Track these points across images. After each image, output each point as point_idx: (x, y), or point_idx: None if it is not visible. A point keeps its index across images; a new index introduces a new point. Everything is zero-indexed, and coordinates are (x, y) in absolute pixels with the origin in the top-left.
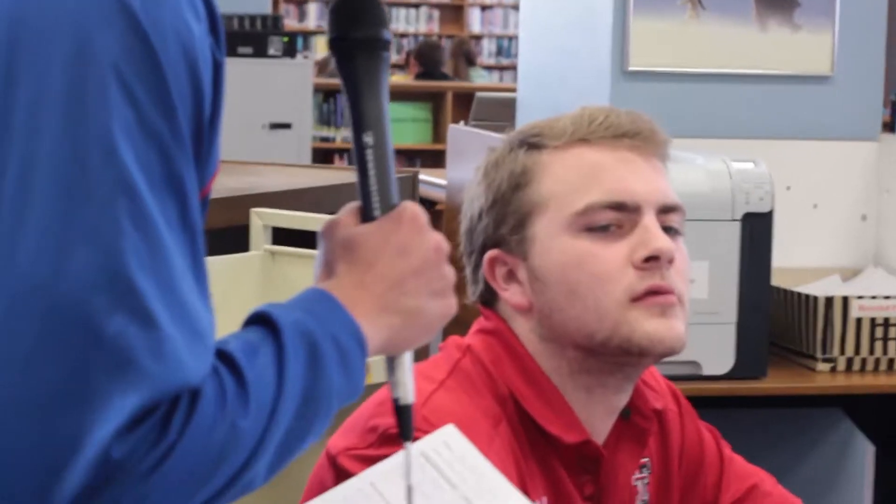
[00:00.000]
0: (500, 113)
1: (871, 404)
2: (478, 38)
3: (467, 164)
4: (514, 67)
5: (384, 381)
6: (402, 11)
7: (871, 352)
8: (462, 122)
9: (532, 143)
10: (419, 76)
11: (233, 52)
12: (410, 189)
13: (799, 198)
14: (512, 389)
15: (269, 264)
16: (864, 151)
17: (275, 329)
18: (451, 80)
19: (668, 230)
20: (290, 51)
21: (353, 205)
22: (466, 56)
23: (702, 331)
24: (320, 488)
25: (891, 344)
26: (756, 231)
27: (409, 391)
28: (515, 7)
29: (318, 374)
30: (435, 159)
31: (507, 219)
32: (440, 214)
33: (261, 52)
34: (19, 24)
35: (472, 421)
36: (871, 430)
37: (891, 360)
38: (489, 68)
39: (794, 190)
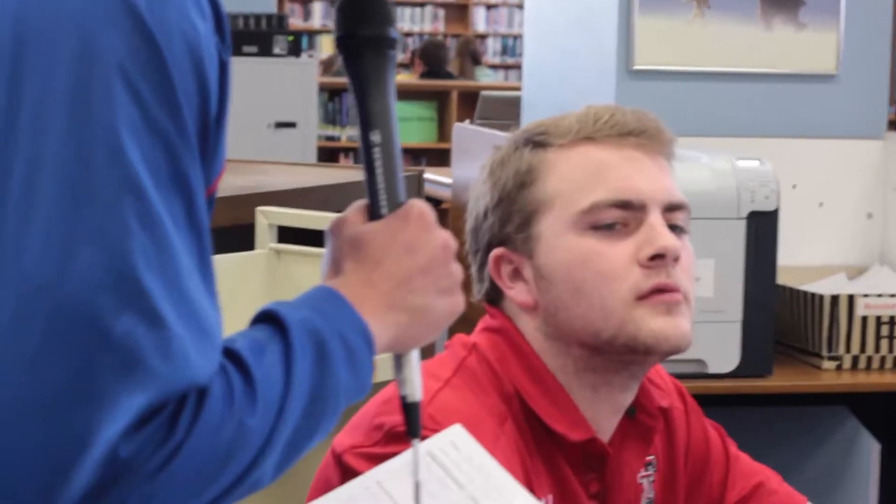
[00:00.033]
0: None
1: (877, 402)
2: (483, 37)
3: (472, 163)
4: (519, 66)
5: (390, 379)
6: (408, 10)
7: (877, 350)
8: (467, 121)
9: (537, 141)
10: (424, 75)
11: (238, 52)
12: (416, 188)
13: (804, 196)
14: (517, 388)
15: (274, 263)
16: (869, 150)
17: (282, 327)
18: (456, 80)
19: (673, 228)
20: (295, 50)
21: (361, 203)
22: (472, 55)
23: (707, 329)
24: (326, 487)
25: None
26: (761, 229)
27: (416, 389)
28: (520, 6)
29: (325, 372)
30: (440, 158)
31: (513, 217)
32: (445, 213)
33: (266, 51)
34: (24, 24)
35: (478, 419)
36: (877, 429)
37: None
38: (494, 67)
39: (800, 188)
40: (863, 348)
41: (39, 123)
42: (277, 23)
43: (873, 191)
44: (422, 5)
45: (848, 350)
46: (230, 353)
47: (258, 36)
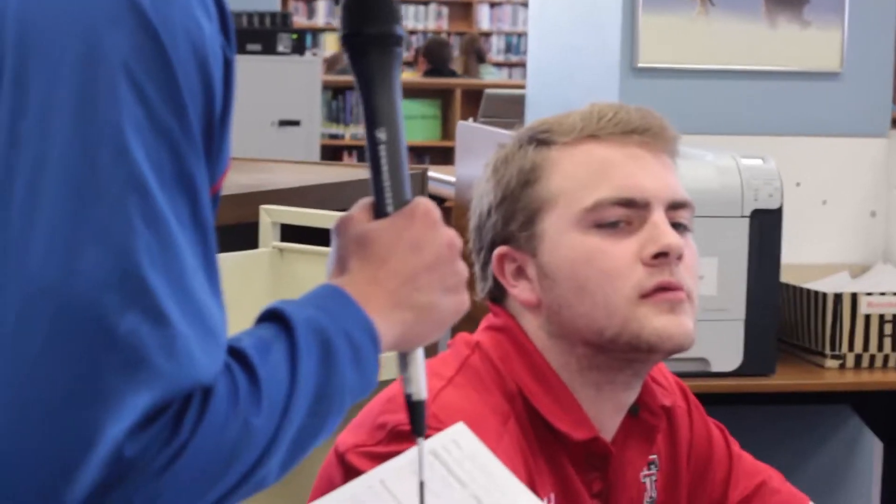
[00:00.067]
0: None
1: (880, 401)
2: (487, 34)
3: (476, 161)
4: (522, 64)
5: (393, 377)
6: (412, 8)
7: (880, 348)
8: (471, 119)
9: (541, 139)
10: (427, 73)
11: (242, 50)
12: (420, 186)
13: (808, 194)
14: (521, 386)
15: (277, 261)
16: (873, 148)
17: (288, 326)
18: (460, 78)
19: (677, 226)
20: (298, 48)
21: (366, 201)
22: (477, 53)
23: (710, 327)
24: (329, 486)
25: None
26: (765, 227)
27: (421, 387)
28: (524, 4)
29: (330, 370)
30: (444, 156)
31: (517, 215)
32: (449, 211)
33: (270, 49)
34: (28, 25)
35: (481, 418)
36: (880, 427)
37: None
38: (498, 65)
39: (804, 186)
40: (866, 347)
41: (44, 123)
42: (281, 21)
43: (877, 189)
44: (426, 3)
45: (851, 349)
46: (235, 352)
47: (262, 34)
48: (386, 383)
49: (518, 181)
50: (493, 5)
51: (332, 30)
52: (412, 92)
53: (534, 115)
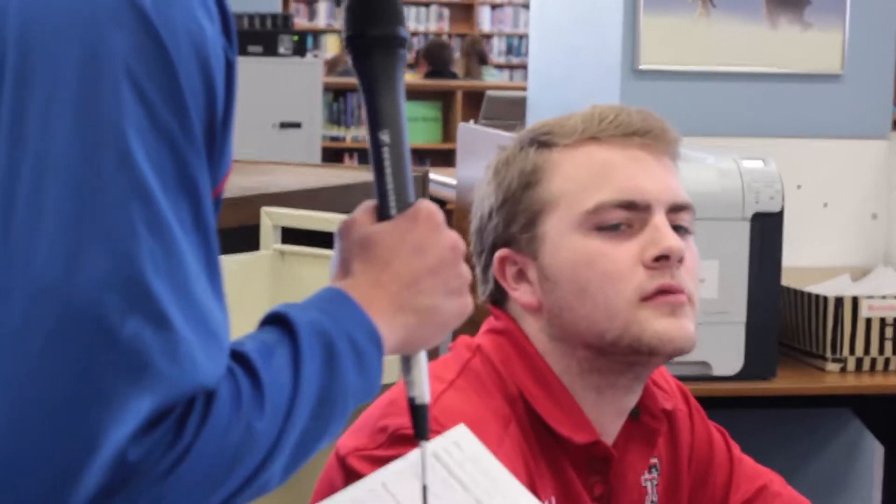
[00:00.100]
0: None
1: (881, 405)
2: (488, 36)
3: (477, 163)
4: (524, 66)
5: (394, 381)
6: (412, 10)
7: (881, 352)
8: (472, 121)
9: (542, 141)
10: (427, 75)
11: (243, 51)
12: (421, 188)
13: (809, 197)
14: (522, 389)
15: (278, 264)
16: (874, 150)
17: (291, 329)
18: (460, 80)
19: (678, 229)
20: (300, 50)
21: (369, 203)
22: (479, 55)
23: (711, 331)
24: (330, 489)
25: None
26: (766, 230)
27: (424, 391)
28: (525, 6)
29: (333, 374)
30: (445, 158)
31: (518, 218)
32: (450, 214)
33: (271, 50)
34: (30, 23)
35: (482, 421)
36: (881, 431)
37: None
38: (499, 67)
39: (805, 189)
40: (867, 350)
41: (47, 125)
42: (282, 22)
43: (878, 191)
44: (427, 5)
45: (852, 352)
46: (238, 356)
47: (263, 36)
48: (387, 387)
49: (519, 183)
50: (494, 7)
51: (334, 31)
52: (413, 94)
53: (535, 117)
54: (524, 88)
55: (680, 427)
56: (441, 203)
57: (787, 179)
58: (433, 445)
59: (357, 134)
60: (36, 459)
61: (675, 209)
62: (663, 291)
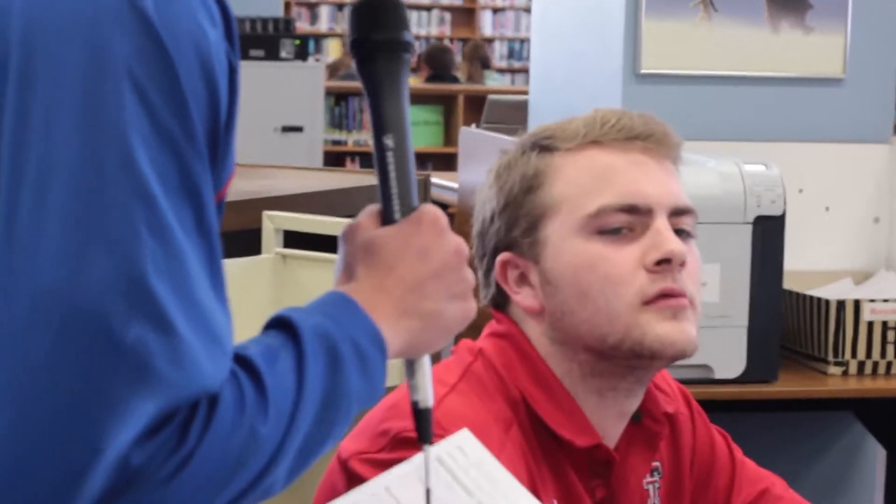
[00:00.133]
0: (512, 116)
1: (883, 408)
2: (489, 40)
3: (479, 167)
4: (525, 70)
5: (396, 384)
6: (414, 14)
7: (883, 355)
8: (474, 125)
9: (544, 145)
10: (429, 79)
11: (244, 55)
12: (423, 192)
13: (811, 200)
14: (523, 393)
15: (280, 267)
16: (876, 154)
17: (294, 333)
18: (461, 84)
19: (680, 233)
20: (301, 54)
21: (373, 207)
22: (482, 60)
23: (713, 334)
24: (331, 492)
25: None
26: (768, 234)
27: (428, 394)
28: (527, 10)
29: (337, 378)
30: (446, 162)
31: (519, 221)
32: (452, 218)
33: (272, 54)
34: (33, 24)
35: (484, 425)
36: (883, 434)
37: None
38: (501, 71)
39: (806, 193)
40: (869, 354)
41: (50, 131)
42: (284, 26)
43: (880, 195)
44: (428, 9)
45: (854, 355)
46: (242, 360)
47: (265, 40)
48: (389, 390)
49: (521, 187)
50: (495, 11)
51: (335, 35)
52: (415, 98)
53: (536, 121)
54: (526, 92)
55: (682, 430)
56: (443, 207)
57: (788, 183)
58: (438, 450)
59: (359, 138)
60: (39, 464)
61: (677, 213)
62: (665, 295)
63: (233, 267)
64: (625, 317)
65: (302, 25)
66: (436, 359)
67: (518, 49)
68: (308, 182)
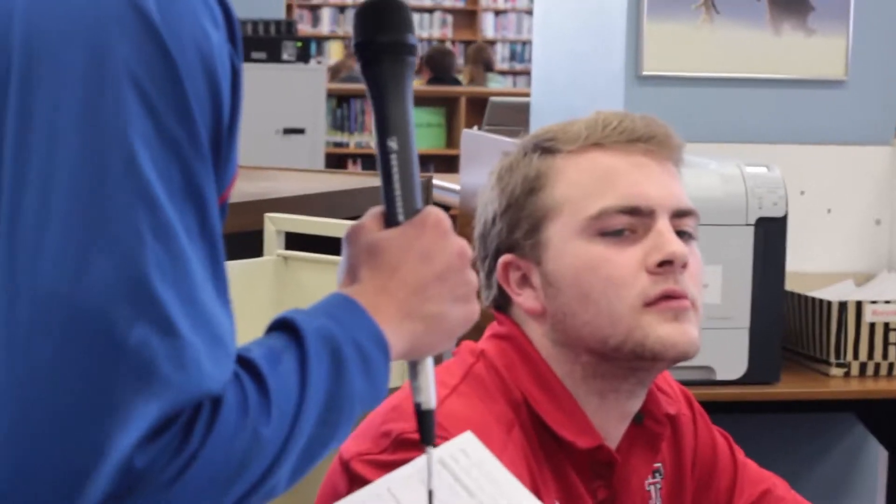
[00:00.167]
0: (514, 118)
1: (885, 409)
2: (491, 42)
3: (481, 169)
4: (527, 72)
5: (398, 386)
6: (416, 16)
7: (885, 357)
8: (476, 127)
9: (546, 147)
10: (430, 81)
11: (246, 58)
12: (424, 194)
13: (813, 202)
14: (525, 394)
15: (282, 269)
16: (878, 156)
17: (298, 335)
18: (463, 86)
19: (681, 235)
20: (303, 56)
21: (377, 209)
22: (485, 63)
23: (715, 336)
24: (333, 493)
25: None
26: (770, 236)
27: (431, 396)
28: (529, 12)
29: (340, 380)
30: (448, 164)
31: (521, 223)
32: (454, 220)
33: (274, 57)
34: (35, 27)
35: (486, 426)
36: (885, 436)
37: None
38: (503, 73)
39: (808, 195)
40: (870, 355)
41: (52, 133)
42: (286, 29)
43: (882, 197)
44: (430, 11)
45: (856, 357)
46: (245, 362)
47: (267, 42)
48: (391, 391)
49: (523, 189)
50: (497, 13)
51: (337, 38)
52: (417, 100)
53: (538, 123)
54: (528, 95)
55: (683, 431)
56: (445, 209)
57: (790, 185)
58: (440, 452)
59: (360, 140)
60: (42, 466)
61: (679, 215)
62: (667, 297)
63: (234, 269)
64: (626, 318)
65: (304, 28)
66: (437, 360)
67: (520, 51)
68: (310, 184)
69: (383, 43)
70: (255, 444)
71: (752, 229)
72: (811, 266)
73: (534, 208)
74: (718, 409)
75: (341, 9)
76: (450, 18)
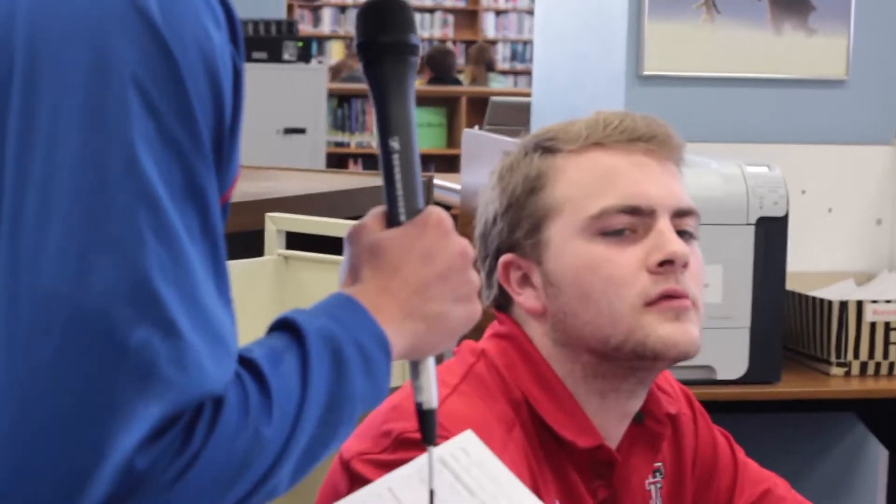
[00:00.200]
0: (515, 117)
1: (885, 409)
2: (492, 42)
3: (482, 169)
4: (528, 72)
5: (398, 385)
6: (417, 16)
7: (886, 356)
8: (477, 127)
9: (547, 147)
10: (431, 81)
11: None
12: (425, 194)
13: (813, 202)
14: (526, 394)
15: (282, 269)
16: (878, 155)
17: (299, 335)
18: (464, 86)
19: (682, 234)
20: (304, 56)
21: (379, 209)
22: (487, 63)
23: (716, 335)
24: (333, 493)
25: None
26: (770, 235)
27: (432, 396)
28: (530, 12)
29: (341, 380)
30: (449, 164)
31: (522, 223)
32: (455, 219)
33: (275, 57)
34: (38, 27)
35: (486, 426)
36: (885, 435)
37: None
38: (504, 73)
39: (809, 194)
40: (871, 355)
41: (54, 134)
42: (287, 29)
43: (883, 197)
44: (431, 11)
45: (856, 356)
46: (247, 363)
47: (268, 42)
48: (392, 391)
49: (523, 189)
50: (498, 13)
51: (338, 37)
52: (418, 100)
53: (539, 123)
54: (528, 94)
55: (684, 431)
56: (446, 208)
57: (791, 185)
58: (441, 451)
59: (361, 139)
60: (43, 467)
61: (680, 214)
62: (667, 296)
63: (235, 268)
64: (627, 318)
65: (304, 28)
66: (438, 360)
67: (521, 51)
68: (310, 184)
69: (385, 43)
70: (256, 444)
71: (752, 229)
72: (812, 265)
73: (534, 208)
74: (719, 409)
75: (342, 9)
76: (451, 18)
